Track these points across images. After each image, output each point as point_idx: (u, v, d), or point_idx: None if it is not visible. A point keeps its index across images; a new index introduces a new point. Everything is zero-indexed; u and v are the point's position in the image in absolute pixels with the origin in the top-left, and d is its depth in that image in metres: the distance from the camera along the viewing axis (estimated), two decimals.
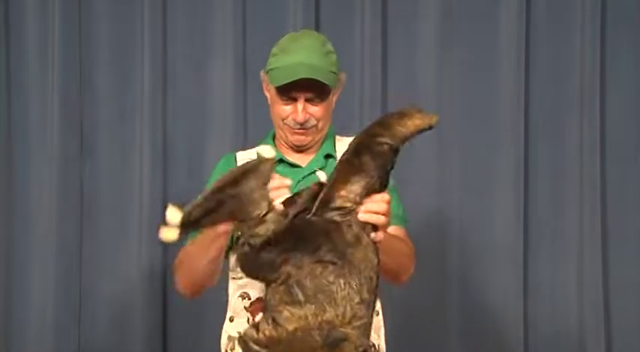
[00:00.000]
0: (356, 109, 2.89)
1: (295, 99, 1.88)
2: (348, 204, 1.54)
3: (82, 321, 2.91)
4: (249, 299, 1.89)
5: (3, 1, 2.89)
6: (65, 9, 2.88)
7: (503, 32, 2.96)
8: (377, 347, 1.81)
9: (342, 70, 1.96)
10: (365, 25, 2.91)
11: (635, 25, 3.00)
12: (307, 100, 1.88)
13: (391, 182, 1.82)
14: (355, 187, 1.55)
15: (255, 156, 1.86)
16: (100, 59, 2.92)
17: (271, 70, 1.90)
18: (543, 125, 2.98)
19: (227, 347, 1.91)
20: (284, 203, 1.60)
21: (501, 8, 2.96)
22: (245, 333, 1.54)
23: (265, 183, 1.56)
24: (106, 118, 2.93)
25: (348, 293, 1.50)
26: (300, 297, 1.49)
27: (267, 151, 1.58)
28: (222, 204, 1.53)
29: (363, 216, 1.55)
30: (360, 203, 1.55)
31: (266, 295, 1.55)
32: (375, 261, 1.54)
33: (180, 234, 1.53)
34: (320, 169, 1.87)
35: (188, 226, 1.53)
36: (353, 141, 1.60)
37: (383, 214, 1.57)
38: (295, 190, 1.82)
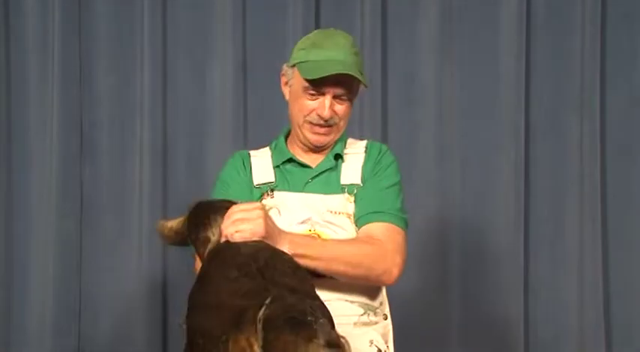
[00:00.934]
0: (356, 109, 2.86)
1: (322, 95, 1.85)
2: None
3: (81, 321, 2.91)
4: None
5: (3, 2, 2.90)
6: (65, 8, 2.89)
7: (503, 32, 2.99)
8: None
9: None
10: (365, 25, 2.92)
11: (634, 24, 3.02)
12: (334, 97, 1.86)
13: (394, 178, 1.87)
14: None
15: (267, 155, 1.94)
16: (100, 59, 2.94)
17: (301, 63, 1.87)
18: (543, 125, 3.00)
19: None
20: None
21: (501, 8, 2.98)
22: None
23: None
24: (106, 118, 2.93)
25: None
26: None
27: None
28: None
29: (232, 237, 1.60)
30: None
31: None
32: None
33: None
34: (329, 170, 1.88)
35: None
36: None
37: (235, 230, 1.60)
38: (304, 189, 1.85)
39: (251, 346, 1.37)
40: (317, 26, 2.88)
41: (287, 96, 1.93)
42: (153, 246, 2.83)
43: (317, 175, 1.89)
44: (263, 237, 1.62)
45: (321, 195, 1.85)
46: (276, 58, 2.88)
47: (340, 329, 1.66)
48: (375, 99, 2.90)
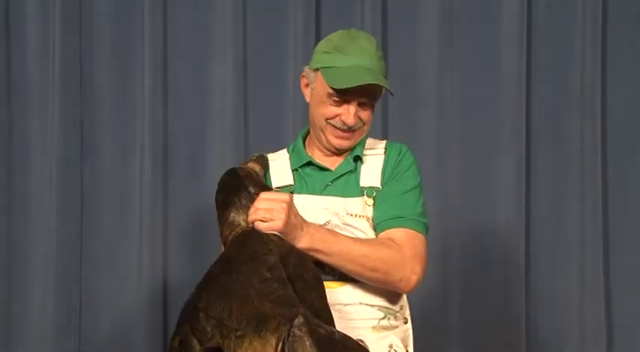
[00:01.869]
0: None
1: (347, 102, 1.84)
2: None
3: (82, 321, 2.91)
4: None
5: (4, 3, 2.90)
6: (65, 9, 2.89)
7: (504, 32, 2.99)
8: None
9: None
10: (365, 25, 2.92)
11: (636, 24, 3.02)
12: (359, 104, 1.84)
13: (413, 181, 1.87)
14: None
15: (285, 158, 1.94)
16: (101, 60, 2.93)
17: (327, 68, 1.84)
18: (544, 125, 3.01)
19: None
20: None
21: (502, 8, 2.98)
22: None
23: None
24: (107, 119, 2.94)
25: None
26: None
27: None
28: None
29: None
30: None
31: None
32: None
33: None
34: (349, 172, 1.87)
35: None
36: None
37: (258, 219, 1.67)
38: (323, 192, 1.86)
39: None
40: (317, 27, 2.90)
41: (307, 99, 1.91)
42: (153, 247, 2.84)
43: (337, 178, 1.88)
44: (281, 232, 1.66)
45: (341, 198, 1.85)
46: (277, 59, 2.94)
47: (358, 332, 1.77)
48: None
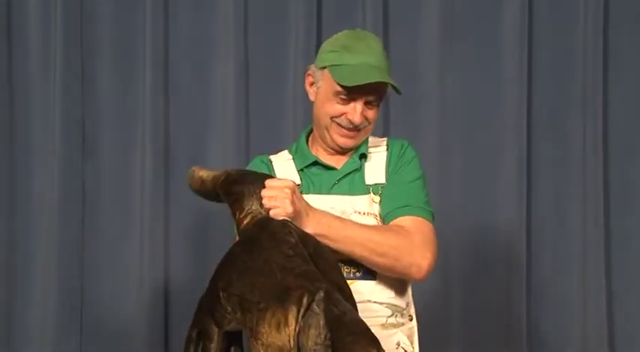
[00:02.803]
0: None
1: (353, 100, 1.85)
2: None
3: (83, 321, 2.92)
4: None
5: (5, 3, 2.91)
6: (67, 11, 2.90)
7: (505, 32, 2.99)
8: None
9: None
10: (366, 26, 2.92)
11: (637, 24, 3.02)
12: (365, 103, 1.85)
13: (416, 173, 1.89)
14: None
15: (288, 158, 1.94)
16: (102, 60, 2.94)
17: (335, 66, 1.85)
18: (546, 125, 3.02)
19: None
20: None
21: (503, 8, 2.99)
22: None
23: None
24: (108, 119, 2.94)
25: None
26: None
27: None
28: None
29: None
30: None
31: None
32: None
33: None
34: (354, 171, 1.89)
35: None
36: None
37: (271, 206, 1.67)
38: (330, 191, 1.87)
39: (287, 323, 1.41)
40: (318, 28, 2.91)
41: (312, 97, 1.92)
42: (155, 247, 2.85)
43: (343, 177, 1.89)
44: (290, 217, 1.66)
45: (348, 197, 1.86)
46: (278, 60, 2.95)
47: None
48: None
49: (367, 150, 1.92)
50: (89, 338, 2.92)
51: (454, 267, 2.96)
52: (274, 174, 1.90)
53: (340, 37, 1.89)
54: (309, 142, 1.96)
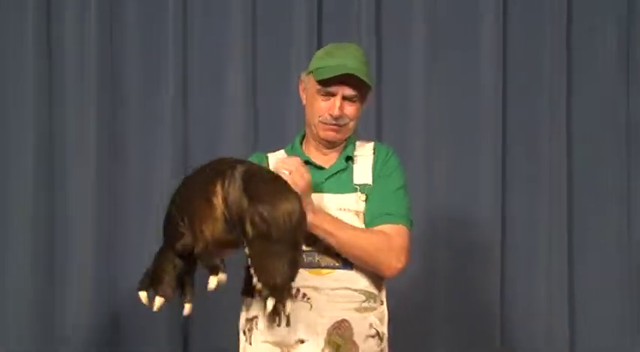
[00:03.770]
0: None
1: (332, 94, 1.92)
2: None
3: (112, 311, 3.01)
4: None
5: (45, 28, 3.00)
6: (99, 32, 3.02)
7: (483, 51, 3.09)
8: (380, 334, 1.93)
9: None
10: (362, 45, 2.98)
11: (598, 48, 3.13)
12: (344, 98, 1.92)
13: (400, 182, 1.96)
14: None
15: (283, 155, 1.99)
16: (130, 75, 3.05)
17: (316, 69, 1.94)
18: (519, 134, 3.10)
19: (245, 327, 1.99)
20: None
21: (481, 30, 3.08)
22: None
23: None
24: (134, 126, 3.04)
25: None
26: None
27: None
28: None
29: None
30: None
31: None
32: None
33: None
34: (341, 171, 1.96)
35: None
36: None
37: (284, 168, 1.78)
38: (320, 189, 1.93)
39: (215, 195, 1.63)
40: (319, 47, 2.77)
41: (304, 101, 2.00)
42: None
43: (330, 176, 1.96)
44: (303, 190, 1.77)
45: (334, 195, 1.93)
46: (283, 78, 3.03)
47: (345, 312, 1.88)
48: (370, 107, 2.86)
49: (354, 153, 1.98)
50: (117, 322, 3.00)
51: (438, 257, 3.04)
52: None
53: (327, 46, 2.02)
54: (303, 144, 2.04)
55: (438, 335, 3.06)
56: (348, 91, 1.93)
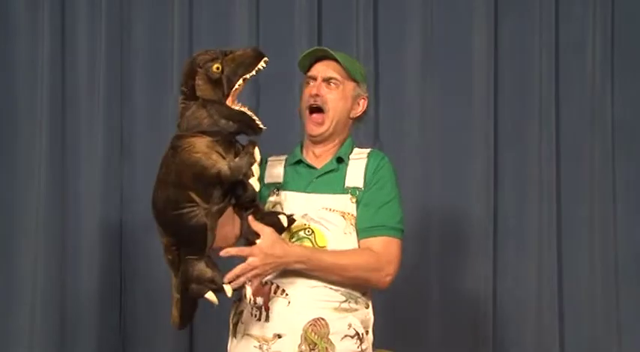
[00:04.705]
0: None
1: (313, 78, 2.00)
2: None
3: (123, 305, 3.10)
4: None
5: (60, 40, 3.11)
6: (109, 43, 3.13)
7: (475, 56, 3.15)
8: (360, 335, 1.96)
9: (362, 95, 2.07)
10: (360, 53, 3.09)
11: (584, 58, 3.18)
12: (324, 81, 1.99)
13: (393, 191, 1.99)
14: None
15: (283, 158, 2.08)
16: (137, 81, 3.16)
17: (299, 61, 2.06)
18: (509, 133, 3.16)
19: (232, 321, 2.06)
20: None
21: (473, 36, 3.15)
22: None
23: None
24: (142, 129, 3.14)
25: None
26: None
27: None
28: None
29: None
30: None
31: None
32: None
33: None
34: (331, 171, 2.01)
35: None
36: None
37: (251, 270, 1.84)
38: (307, 188, 1.99)
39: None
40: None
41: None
42: None
43: (320, 176, 2.01)
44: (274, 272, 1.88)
45: (323, 195, 1.97)
46: (283, 73, 3.03)
47: (322, 310, 1.90)
48: (368, 110, 2.72)
49: (346, 156, 2.02)
50: (128, 321, 3.09)
51: (432, 251, 3.09)
52: (264, 175, 2.04)
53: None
54: (303, 148, 2.10)
55: (430, 328, 3.09)
56: (327, 73, 2.00)
